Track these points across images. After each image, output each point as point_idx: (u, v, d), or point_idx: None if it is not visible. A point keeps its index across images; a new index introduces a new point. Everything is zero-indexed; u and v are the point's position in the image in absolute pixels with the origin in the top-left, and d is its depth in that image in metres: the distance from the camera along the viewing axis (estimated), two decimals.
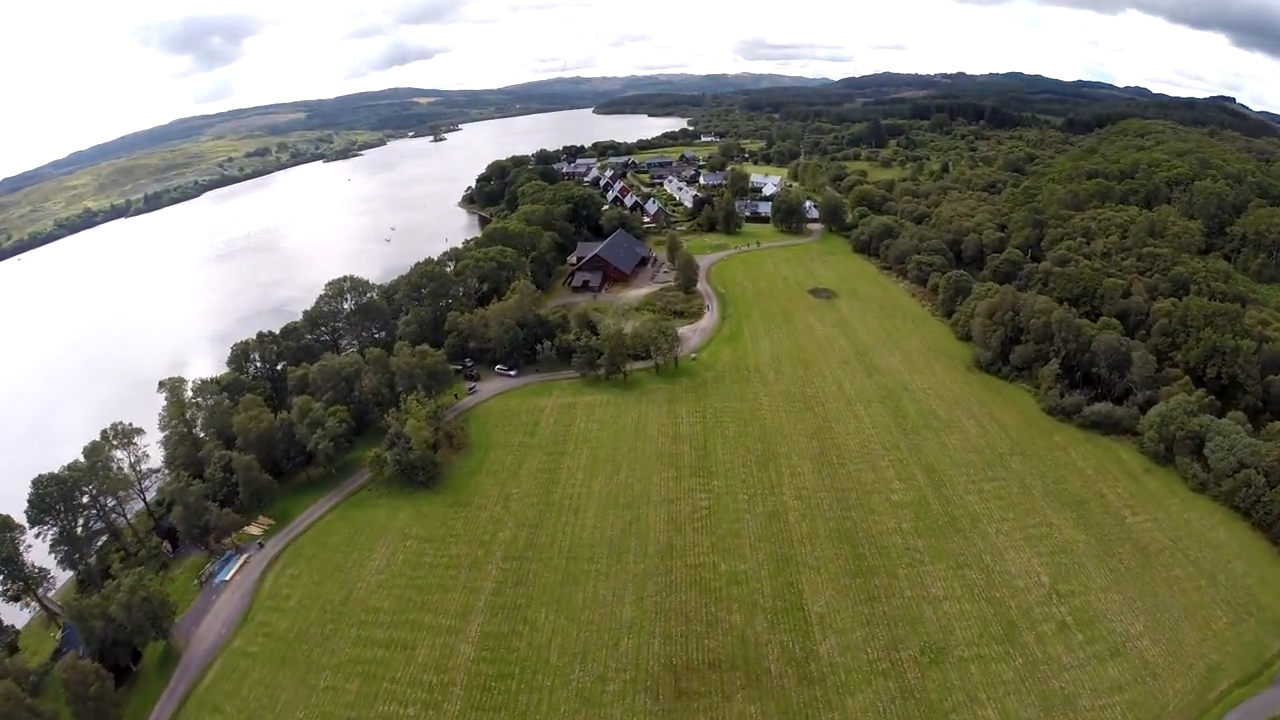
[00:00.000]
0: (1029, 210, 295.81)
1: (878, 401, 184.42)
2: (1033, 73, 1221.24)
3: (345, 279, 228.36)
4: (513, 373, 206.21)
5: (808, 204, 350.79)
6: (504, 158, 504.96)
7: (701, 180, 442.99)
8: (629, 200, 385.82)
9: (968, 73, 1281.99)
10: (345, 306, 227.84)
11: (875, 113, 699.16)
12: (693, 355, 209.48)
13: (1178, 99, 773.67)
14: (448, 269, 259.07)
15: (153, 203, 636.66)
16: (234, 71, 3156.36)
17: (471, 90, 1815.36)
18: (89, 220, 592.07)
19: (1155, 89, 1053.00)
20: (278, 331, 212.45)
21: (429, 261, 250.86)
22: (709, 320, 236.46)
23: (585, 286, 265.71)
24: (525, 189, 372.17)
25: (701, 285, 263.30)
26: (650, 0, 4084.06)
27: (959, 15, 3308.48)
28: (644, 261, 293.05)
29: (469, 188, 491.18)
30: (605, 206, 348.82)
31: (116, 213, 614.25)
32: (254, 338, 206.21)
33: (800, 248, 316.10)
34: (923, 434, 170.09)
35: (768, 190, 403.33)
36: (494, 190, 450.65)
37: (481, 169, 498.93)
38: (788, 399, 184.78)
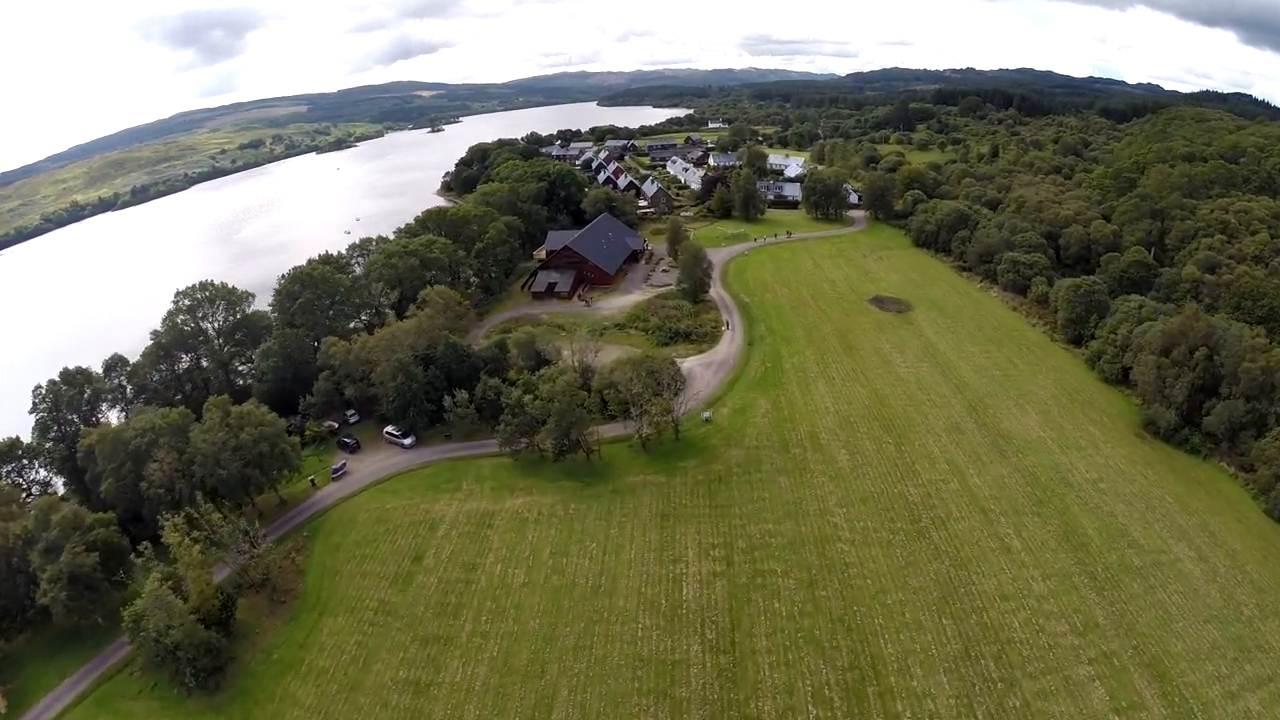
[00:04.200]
0: (1137, 198, 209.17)
1: (1031, 511, 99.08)
2: (1043, 69, 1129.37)
3: (203, 287, 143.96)
4: (407, 441, 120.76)
5: (846, 186, 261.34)
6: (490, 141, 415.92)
7: (711, 161, 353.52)
8: (622, 181, 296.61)
9: (977, 68, 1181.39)
10: (212, 325, 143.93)
11: (897, 98, 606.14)
12: (705, 415, 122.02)
13: (1198, 93, 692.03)
14: (355, 268, 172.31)
15: (140, 195, 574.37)
16: (237, 65, 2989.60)
17: (475, 84, 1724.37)
18: (76, 214, 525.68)
19: (1167, 86, 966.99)
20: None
21: (316, 263, 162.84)
22: (729, 347, 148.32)
23: (550, 291, 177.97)
24: (501, 170, 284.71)
25: (716, 291, 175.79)
26: None
27: (966, 11, 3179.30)
28: (635, 256, 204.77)
29: (446, 173, 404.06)
30: (591, 188, 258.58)
31: (104, 206, 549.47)
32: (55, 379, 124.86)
33: (844, 240, 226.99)
34: (1121, 583, 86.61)
35: (791, 172, 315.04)
36: (473, 175, 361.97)
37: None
38: (879, 511, 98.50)
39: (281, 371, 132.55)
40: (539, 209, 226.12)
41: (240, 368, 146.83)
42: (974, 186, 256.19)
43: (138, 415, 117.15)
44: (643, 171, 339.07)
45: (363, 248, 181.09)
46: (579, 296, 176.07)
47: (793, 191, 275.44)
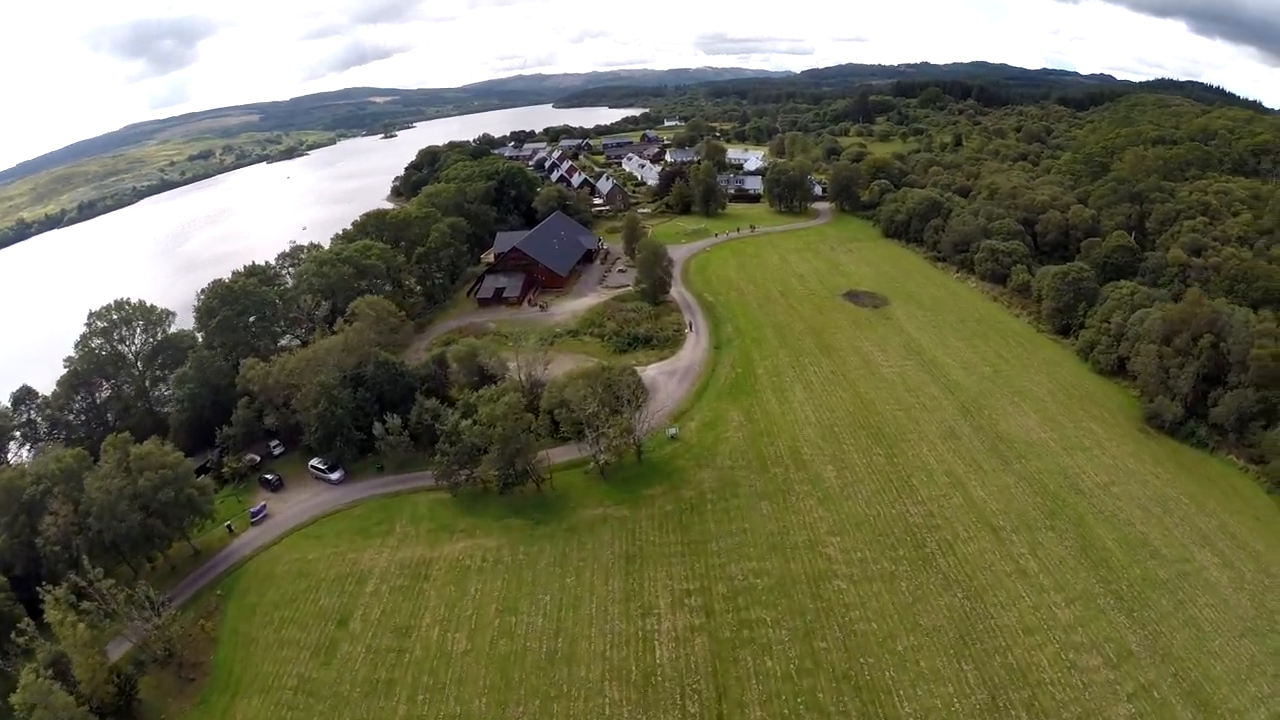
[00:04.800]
0: (1113, 182, 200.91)
1: (1044, 525, 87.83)
2: (997, 61, 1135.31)
3: (118, 306, 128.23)
4: (334, 475, 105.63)
5: (810, 178, 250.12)
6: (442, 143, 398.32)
7: (668, 158, 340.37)
8: (576, 179, 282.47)
9: (932, 62, 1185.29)
10: (130, 349, 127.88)
11: (854, 92, 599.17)
12: (671, 432, 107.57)
13: (1153, 81, 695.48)
14: (285, 278, 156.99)
15: (86, 211, 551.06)
16: (188, 75, 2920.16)
17: (430, 89, 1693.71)
18: (21, 232, 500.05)
19: (1120, 76, 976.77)
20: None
21: (239, 276, 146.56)
22: (694, 352, 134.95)
23: (498, 297, 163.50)
24: (450, 171, 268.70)
25: (677, 291, 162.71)
26: None
27: (920, 5, 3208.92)
28: (590, 256, 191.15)
29: (396, 178, 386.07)
30: (543, 186, 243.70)
31: (51, 223, 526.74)
32: None
33: (811, 232, 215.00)
34: (1149, 600, 76.43)
35: (751, 165, 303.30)
36: (422, 179, 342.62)
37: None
38: (877, 536, 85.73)
39: (200, 399, 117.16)
40: (487, 209, 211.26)
41: (168, 394, 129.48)
42: (942, 175, 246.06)
43: (39, 457, 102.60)
44: (597, 169, 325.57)
45: (293, 256, 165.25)
46: (530, 301, 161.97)
47: (754, 185, 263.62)
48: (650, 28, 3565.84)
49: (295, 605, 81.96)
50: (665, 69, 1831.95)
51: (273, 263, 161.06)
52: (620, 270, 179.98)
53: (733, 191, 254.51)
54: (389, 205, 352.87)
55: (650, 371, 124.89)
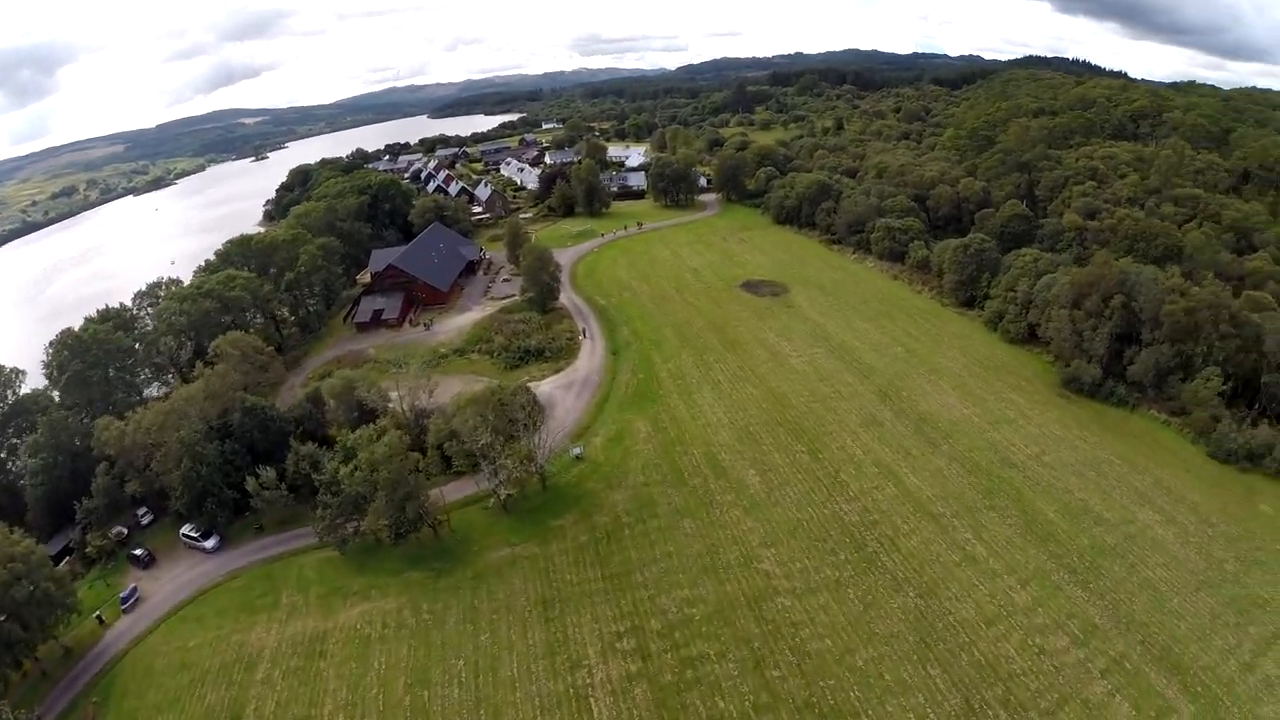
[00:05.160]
0: (1000, 153, 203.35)
1: (983, 505, 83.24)
2: (868, 48, 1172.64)
3: None
4: (209, 543, 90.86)
5: (695, 170, 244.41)
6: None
7: (548, 160, 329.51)
8: (454, 188, 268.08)
9: (805, 52, 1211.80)
10: None
11: (731, 85, 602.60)
12: (575, 451, 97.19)
13: (1021, 58, 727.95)
14: (146, 319, 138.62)
15: None
16: (49, 106, 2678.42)
17: (302, 107, 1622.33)
18: None
19: (988, 56, 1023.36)
20: None
21: (91, 322, 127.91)
22: (590, 360, 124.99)
23: (377, 320, 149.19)
24: (321, 190, 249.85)
25: (567, 297, 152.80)
26: (482, 2, 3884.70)
27: None
28: (472, 268, 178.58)
29: (267, 201, 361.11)
30: (419, 198, 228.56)
31: None
32: None
33: (700, 224, 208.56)
34: (1102, 569, 73.69)
35: (633, 162, 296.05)
36: (294, 200, 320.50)
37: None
38: (814, 542, 78.14)
39: (56, 469, 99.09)
40: (361, 226, 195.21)
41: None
42: (828, 158, 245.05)
43: None
44: (475, 177, 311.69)
45: (151, 295, 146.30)
46: (411, 321, 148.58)
47: (637, 181, 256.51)
48: (524, 32, 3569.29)
49: (179, 706, 67.88)
50: (540, 73, 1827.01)
51: (129, 304, 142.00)
52: (505, 280, 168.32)
53: (616, 189, 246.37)
54: (260, 230, 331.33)
55: (546, 386, 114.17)
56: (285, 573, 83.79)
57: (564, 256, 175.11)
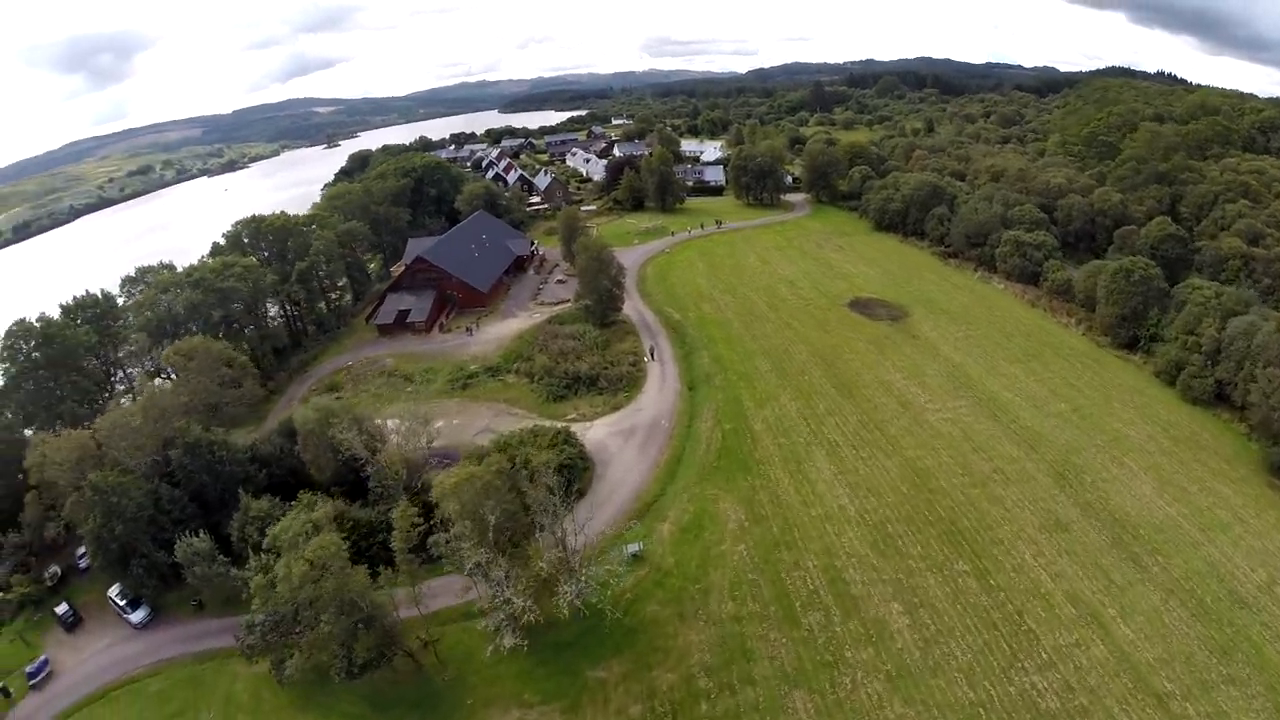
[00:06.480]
0: (1131, 161, 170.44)
1: (1220, 678, 53.05)
2: (941, 57, 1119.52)
3: None
4: (135, 617, 67.20)
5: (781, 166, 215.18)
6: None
7: (617, 152, 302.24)
8: (512, 176, 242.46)
9: (877, 59, 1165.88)
10: None
11: (806, 86, 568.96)
12: (632, 549, 65.74)
13: (1102, 69, 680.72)
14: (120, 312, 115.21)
15: (21, 233, 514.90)
16: (127, 90, 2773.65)
17: (375, 98, 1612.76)
18: None
19: (1063, 69, 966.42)
20: None
21: (71, 306, 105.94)
22: (660, 395, 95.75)
23: (402, 322, 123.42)
24: (371, 172, 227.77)
25: (632, 307, 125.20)
26: (553, 1, 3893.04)
27: (862, 3, 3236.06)
28: (521, 264, 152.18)
29: (325, 185, 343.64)
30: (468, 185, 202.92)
31: None
32: None
33: (789, 226, 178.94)
34: None
35: (709, 156, 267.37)
36: None
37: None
38: None
39: None
40: (400, 212, 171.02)
41: None
42: (928, 159, 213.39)
43: None
44: (537, 166, 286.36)
45: (138, 280, 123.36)
46: (442, 326, 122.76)
47: (714, 175, 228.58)
48: (594, 32, 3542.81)
49: None
50: (610, 72, 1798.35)
51: (116, 291, 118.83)
52: (560, 280, 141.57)
53: (691, 183, 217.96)
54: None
55: (598, 432, 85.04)
56: (215, 683, 59.48)
57: (630, 256, 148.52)
